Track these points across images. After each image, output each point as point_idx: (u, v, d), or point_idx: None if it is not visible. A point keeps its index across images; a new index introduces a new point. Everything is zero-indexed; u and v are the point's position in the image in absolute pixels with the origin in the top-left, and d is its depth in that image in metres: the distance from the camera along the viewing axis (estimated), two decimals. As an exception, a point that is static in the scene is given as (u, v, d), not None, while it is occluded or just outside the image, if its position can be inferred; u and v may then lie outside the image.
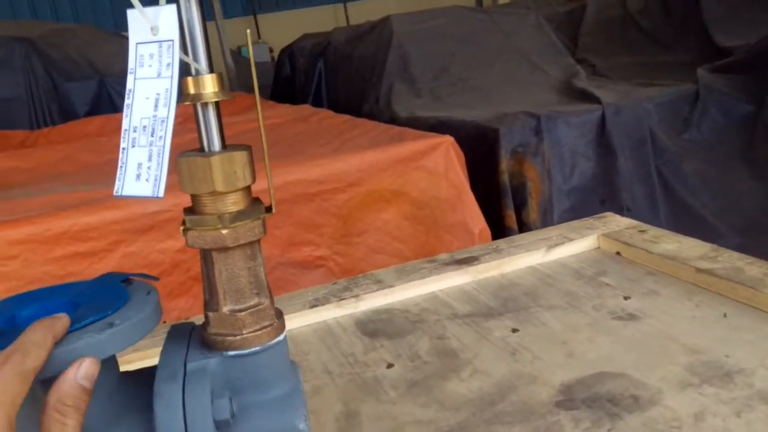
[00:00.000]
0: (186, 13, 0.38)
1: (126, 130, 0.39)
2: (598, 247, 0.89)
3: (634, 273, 0.80)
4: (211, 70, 0.39)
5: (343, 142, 1.77)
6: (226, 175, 0.39)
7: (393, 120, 2.25)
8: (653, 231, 0.88)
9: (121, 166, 0.39)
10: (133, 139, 0.39)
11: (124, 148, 0.39)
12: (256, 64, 0.57)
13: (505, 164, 1.81)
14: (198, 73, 0.39)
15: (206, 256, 0.41)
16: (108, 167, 1.85)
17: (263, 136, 0.41)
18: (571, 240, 0.89)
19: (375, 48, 2.77)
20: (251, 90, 0.47)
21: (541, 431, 0.54)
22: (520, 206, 1.78)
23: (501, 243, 0.92)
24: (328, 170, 1.53)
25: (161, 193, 0.38)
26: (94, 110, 2.87)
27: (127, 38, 0.39)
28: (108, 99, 2.93)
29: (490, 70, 2.56)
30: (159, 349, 0.41)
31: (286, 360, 0.43)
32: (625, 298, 0.74)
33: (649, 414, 0.54)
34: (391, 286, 0.82)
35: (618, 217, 0.95)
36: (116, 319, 0.38)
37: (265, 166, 0.42)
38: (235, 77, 3.81)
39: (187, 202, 0.42)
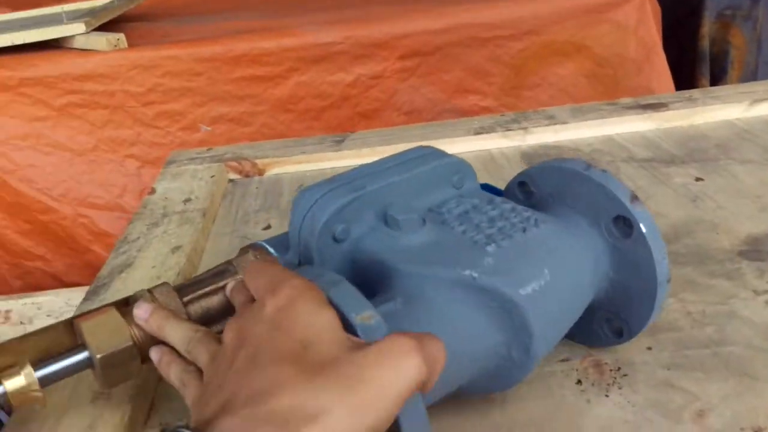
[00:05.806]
0: None
1: None
2: (815, 108, 0.77)
3: None
4: None
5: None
6: None
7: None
8: None
9: None
10: None
11: None
12: None
13: (707, 27, 1.60)
14: None
15: None
16: None
17: None
18: (782, 96, 0.77)
19: None
20: None
21: (716, 275, 0.49)
22: (717, 77, 1.59)
23: (696, 92, 0.82)
24: (504, 14, 1.43)
25: None
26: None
27: None
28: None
29: None
30: None
31: None
32: (841, 161, 0.64)
33: None
34: (564, 123, 0.76)
35: None
36: None
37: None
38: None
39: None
